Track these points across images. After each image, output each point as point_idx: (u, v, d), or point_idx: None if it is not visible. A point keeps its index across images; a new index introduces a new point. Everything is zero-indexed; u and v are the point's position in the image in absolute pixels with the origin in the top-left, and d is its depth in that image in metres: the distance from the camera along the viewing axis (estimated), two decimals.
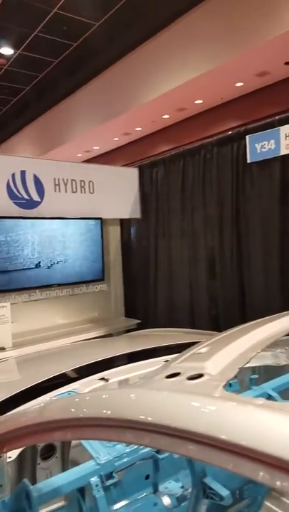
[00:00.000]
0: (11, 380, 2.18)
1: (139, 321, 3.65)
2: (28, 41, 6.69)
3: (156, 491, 1.60)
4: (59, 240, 3.43)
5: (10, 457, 1.37)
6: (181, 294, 3.49)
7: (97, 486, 1.33)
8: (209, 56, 5.58)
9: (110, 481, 1.37)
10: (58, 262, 3.44)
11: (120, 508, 1.48)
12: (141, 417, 0.65)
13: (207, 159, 3.24)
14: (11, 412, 1.18)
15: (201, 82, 6.01)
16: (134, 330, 3.43)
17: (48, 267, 3.39)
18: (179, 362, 0.96)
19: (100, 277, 3.71)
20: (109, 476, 1.38)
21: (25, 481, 1.29)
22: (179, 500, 1.53)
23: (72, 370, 1.90)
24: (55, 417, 0.87)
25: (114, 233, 3.92)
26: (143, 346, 2.30)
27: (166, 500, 1.56)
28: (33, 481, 1.52)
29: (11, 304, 3.09)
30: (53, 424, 0.87)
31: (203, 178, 3.29)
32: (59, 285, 3.49)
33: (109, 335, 3.47)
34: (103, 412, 0.74)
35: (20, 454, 1.48)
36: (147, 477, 1.71)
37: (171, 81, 6.35)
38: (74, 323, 3.57)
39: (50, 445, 1.64)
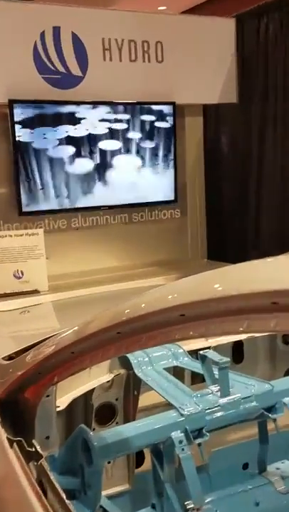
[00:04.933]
0: (43, 330, 2.41)
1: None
2: None
3: (263, 470, 1.73)
4: (109, 138, 3.52)
5: (58, 406, 1.59)
6: None
7: (181, 442, 1.48)
8: None
9: (200, 440, 1.52)
10: (107, 174, 3.56)
11: (207, 503, 1.61)
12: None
13: None
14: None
15: None
16: None
17: (94, 181, 3.53)
18: None
19: (171, 198, 3.78)
20: (199, 433, 1.52)
21: (83, 426, 1.49)
22: None
23: None
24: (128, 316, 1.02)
25: (195, 129, 3.91)
26: None
27: (279, 484, 1.68)
28: None
29: (45, 232, 3.33)
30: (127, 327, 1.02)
31: None
32: (110, 208, 3.64)
33: None
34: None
35: (69, 409, 1.70)
36: (245, 466, 1.85)
37: None
38: (131, 265, 3.76)
39: (108, 406, 1.84)
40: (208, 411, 1.52)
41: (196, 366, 1.73)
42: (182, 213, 3.95)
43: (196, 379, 1.91)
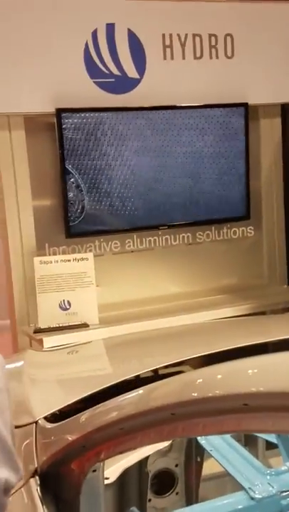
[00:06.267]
0: (97, 373, 2.41)
1: None
2: None
3: None
4: (170, 148, 3.53)
5: (107, 478, 1.56)
6: None
7: None
8: None
9: None
10: (167, 189, 3.55)
11: None
12: None
13: None
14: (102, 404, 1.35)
15: None
16: None
17: (152, 198, 3.53)
18: None
19: (243, 214, 3.75)
20: None
21: (135, 510, 1.47)
22: None
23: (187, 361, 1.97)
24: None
25: (271, 132, 3.87)
26: None
27: None
28: None
29: (95, 256, 3.33)
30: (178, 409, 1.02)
31: None
32: (170, 227, 3.63)
33: (261, 313, 3.52)
34: None
35: (120, 480, 1.67)
36: None
37: None
38: (195, 293, 3.71)
39: (167, 473, 1.80)
40: (285, 494, 1.46)
41: (271, 434, 1.68)
42: (256, 231, 3.90)
43: (272, 444, 1.84)
